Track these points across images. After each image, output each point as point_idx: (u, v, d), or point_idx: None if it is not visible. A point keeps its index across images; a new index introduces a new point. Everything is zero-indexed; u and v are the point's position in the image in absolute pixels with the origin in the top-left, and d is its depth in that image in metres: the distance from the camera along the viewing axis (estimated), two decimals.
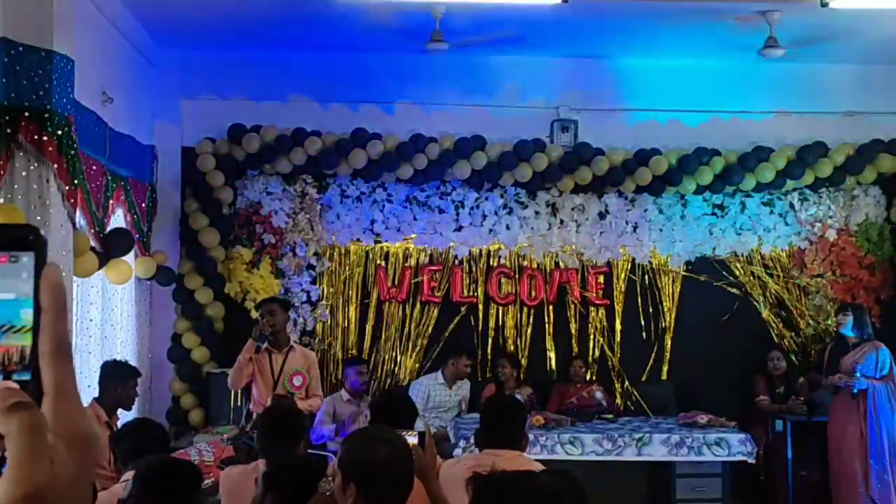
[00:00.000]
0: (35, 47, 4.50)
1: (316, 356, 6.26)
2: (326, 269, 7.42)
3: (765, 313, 7.55)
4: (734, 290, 7.58)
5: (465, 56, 7.16)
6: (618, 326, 7.54)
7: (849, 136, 7.52)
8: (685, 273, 7.59)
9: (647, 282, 7.57)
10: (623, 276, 7.55)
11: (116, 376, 4.82)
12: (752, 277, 7.62)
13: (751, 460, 6.14)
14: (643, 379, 7.57)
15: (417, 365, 7.46)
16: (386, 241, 7.46)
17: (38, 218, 4.48)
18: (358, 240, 7.45)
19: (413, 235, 7.46)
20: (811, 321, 7.57)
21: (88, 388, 5.38)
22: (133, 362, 6.34)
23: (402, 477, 2.45)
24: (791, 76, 7.47)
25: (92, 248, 5.36)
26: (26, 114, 4.44)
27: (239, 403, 6.44)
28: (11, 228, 0.68)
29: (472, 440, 5.23)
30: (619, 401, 7.37)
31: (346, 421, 6.16)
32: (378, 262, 7.47)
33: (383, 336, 7.48)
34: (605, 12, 6.19)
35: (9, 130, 4.37)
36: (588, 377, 7.26)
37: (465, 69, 7.35)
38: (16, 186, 4.42)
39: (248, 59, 7.26)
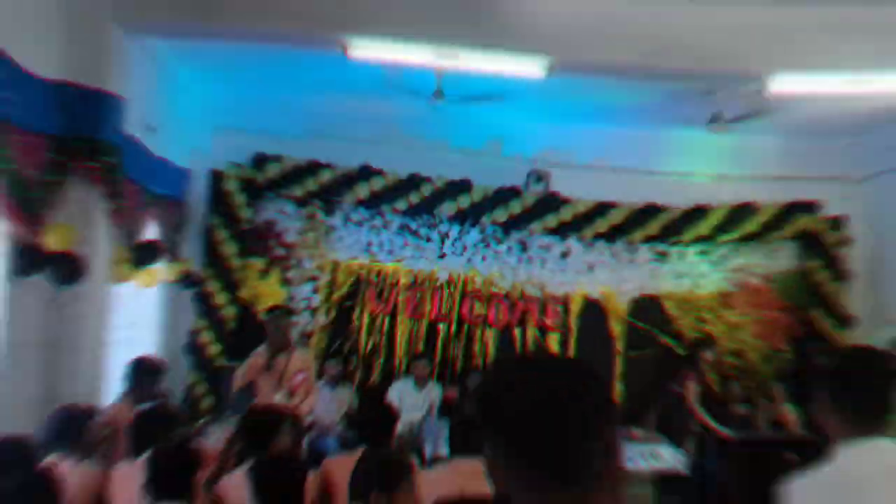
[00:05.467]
0: (90, 87, 4.49)
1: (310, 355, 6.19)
2: (324, 281, 7.38)
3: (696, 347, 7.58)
4: (671, 326, 7.62)
5: (459, 109, 7.16)
6: (570, 350, 7.53)
7: (773, 197, 7.60)
8: (630, 308, 7.62)
9: (596, 314, 7.59)
10: (576, 307, 7.59)
11: (147, 372, 4.66)
12: (687, 315, 7.67)
13: (682, 470, 6.13)
14: None
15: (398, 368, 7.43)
16: (379, 260, 7.46)
17: (87, 234, 4.46)
18: (355, 258, 7.44)
19: (402, 258, 7.46)
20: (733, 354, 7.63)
21: (117, 380, 5.31)
22: (154, 354, 6.26)
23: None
24: (728, 144, 7.50)
25: (127, 258, 5.31)
26: (80, 144, 4.42)
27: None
28: None
29: (439, 440, 5.22)
30: None
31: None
32: (372, 278, 7.46)
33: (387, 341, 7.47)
34: (579, 85, 6.23)
35: (65, 159, 4.34)
36: None
37: (458, 121, 7.35)
38: (68, 207, 4.39)
39: (272, 98, 7.23)
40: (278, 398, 5.44)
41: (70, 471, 3.26)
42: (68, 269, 4.09)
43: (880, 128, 7.34)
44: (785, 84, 5.10)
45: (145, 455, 3.18)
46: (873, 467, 1.85)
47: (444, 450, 4.67)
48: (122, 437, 4.19)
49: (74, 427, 3.61)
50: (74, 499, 2.79)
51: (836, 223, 7.59)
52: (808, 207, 7.58)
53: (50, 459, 3.38)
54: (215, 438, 5.03)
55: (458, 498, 2.28)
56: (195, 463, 3.05)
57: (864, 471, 1.85)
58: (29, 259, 3.90)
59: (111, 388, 5.16)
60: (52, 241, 3.98)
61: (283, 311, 6.06)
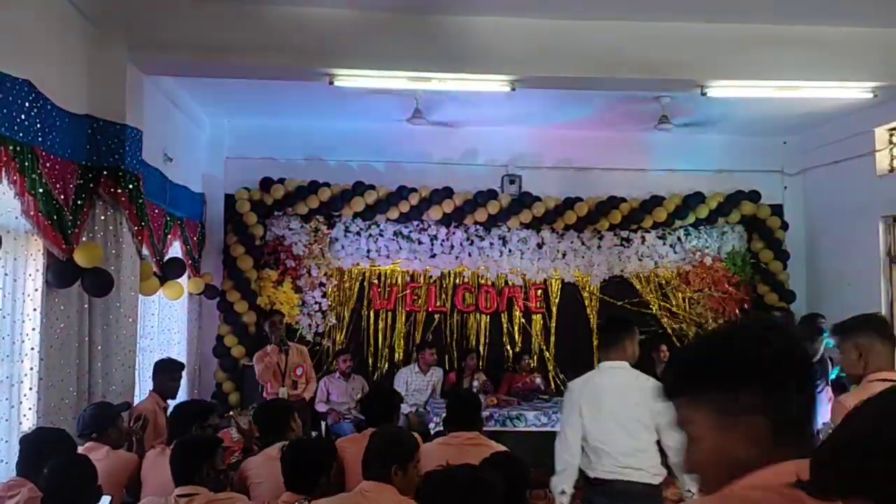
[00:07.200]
0: (112, 121, 4.43)
1: (307, 350, 6.02)
2: (332, 286, 7.33)
3: (660, 315, 7.57)
4: (636, 301, 7.58)
5: (438, 126, 7.16)
6: (552, 329, 7.51)
7: (720, 188, 7.61)
8: (601, 288, 7.57)
9: (573, 295, 7.56)
10: (555, 291, 7.55)
11: (164, 370, 4.60)
12: (650, 291, 7.65)
13: None
14: (571, 368, 7.52)
15: (402, 357, 7.38)
16: (379, 265, 7.40)
17: (114, 252, 4.39)
18: (357, 264, 7.38)
19: (399, 260, 7.39)
20: (694, 324, 7.62)
21: (148, 379, 5.25)
22: (185, 358, 6.19)
23: None
24: (678, 143, 7.54)
25: (154, 273, 5.26)
26: (105, 172, 4.36)
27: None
28: None
29: (443, 415, 5.15)
30: (552, 385, 7.35)
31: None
32: (374, 280, 7.41)
33: (389, 336, 7.39)
34: (542, 96, 6.22)
35: (91, 185, 4.28)
36: (532, 367, 7.20)
37: (438, 136, 7.32)
38: (96, 228, 4.33)
39: (275, 127, 7.21)
40: (283, 390, 5.36)
41: (103, 457, 3.19)
42: (98, 282, 4.02)
43: (811, 129, 7.37)
44: (720, 91, 5.12)
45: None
46: (609, 379, 3.15)
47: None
48: (150, 427, 4.14)
49: (106, 419, 3.54)
50: (108, 480, 2.72)
51: (775, 210, 7.61)
52: (750, 196, 7.56)
53: (85, 447, 3.31)
54: (241, 427, 4.97)
55: (443, 468, 2.17)
56: (215, 450, 2.97)
57: (604, 380, 3.16)
58: (62, 273, 3.83)
59: (144, 386, 5.10)
60: (83, 258, 3.91)
61: (277, 314, 6.00)
